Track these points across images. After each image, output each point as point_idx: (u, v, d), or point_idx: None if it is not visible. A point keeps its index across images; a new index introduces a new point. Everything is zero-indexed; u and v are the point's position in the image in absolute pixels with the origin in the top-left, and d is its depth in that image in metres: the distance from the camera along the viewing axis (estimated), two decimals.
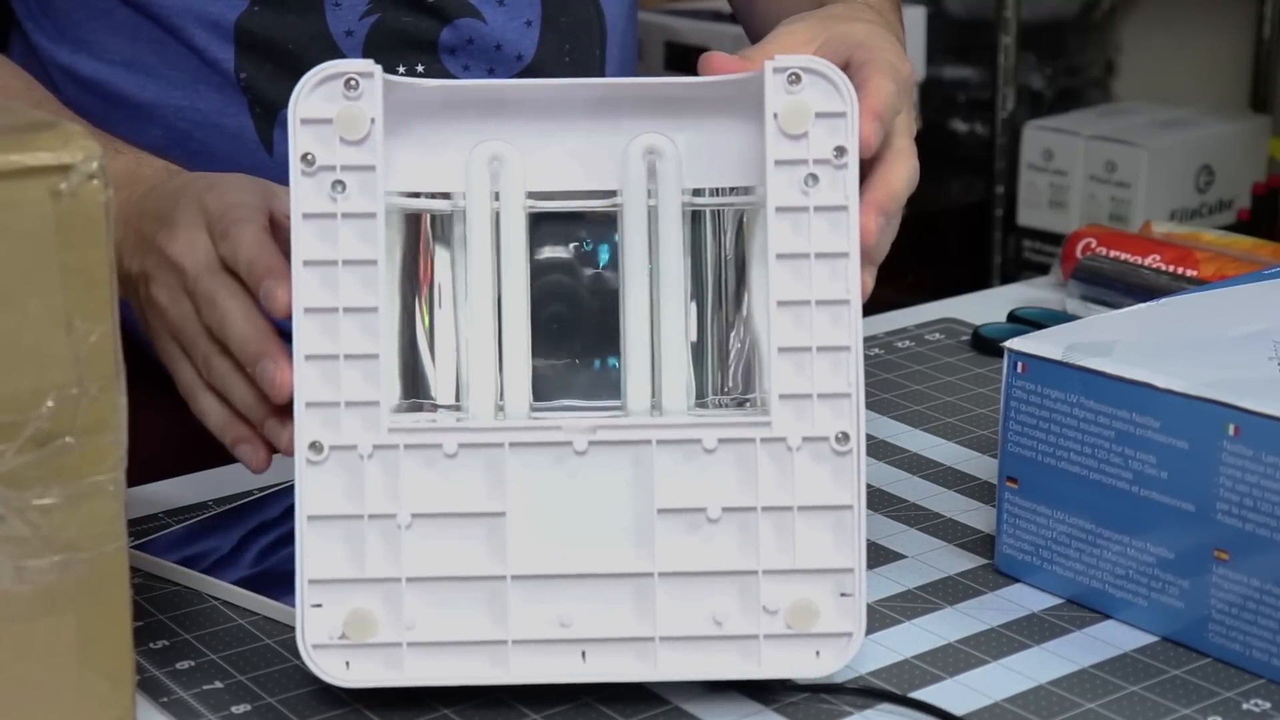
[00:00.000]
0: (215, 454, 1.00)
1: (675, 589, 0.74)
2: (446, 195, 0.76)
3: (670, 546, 0.74)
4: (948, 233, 2.67)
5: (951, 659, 0.78)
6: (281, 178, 0.77)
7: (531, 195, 0.76)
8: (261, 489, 0.93)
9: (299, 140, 0.73)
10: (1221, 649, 0.77)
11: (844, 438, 0.74)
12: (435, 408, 0.76)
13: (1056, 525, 0.82)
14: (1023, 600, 0.82)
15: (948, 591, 0.83)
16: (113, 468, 0.66)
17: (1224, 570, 0.76)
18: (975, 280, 2.48)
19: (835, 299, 0.74)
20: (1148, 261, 1.17)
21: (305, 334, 0.74)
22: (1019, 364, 0.82)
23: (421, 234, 0.77)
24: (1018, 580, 0.84)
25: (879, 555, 0.87)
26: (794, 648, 0.74)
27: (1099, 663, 0.77)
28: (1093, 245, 1.20)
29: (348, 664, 0.74)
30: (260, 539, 0.88)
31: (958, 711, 0.74)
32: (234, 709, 0.75)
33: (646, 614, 0.74)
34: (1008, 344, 0.83)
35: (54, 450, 0.64)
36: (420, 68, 1.05)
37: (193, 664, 0.78)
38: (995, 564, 0.85)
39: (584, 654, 0.74)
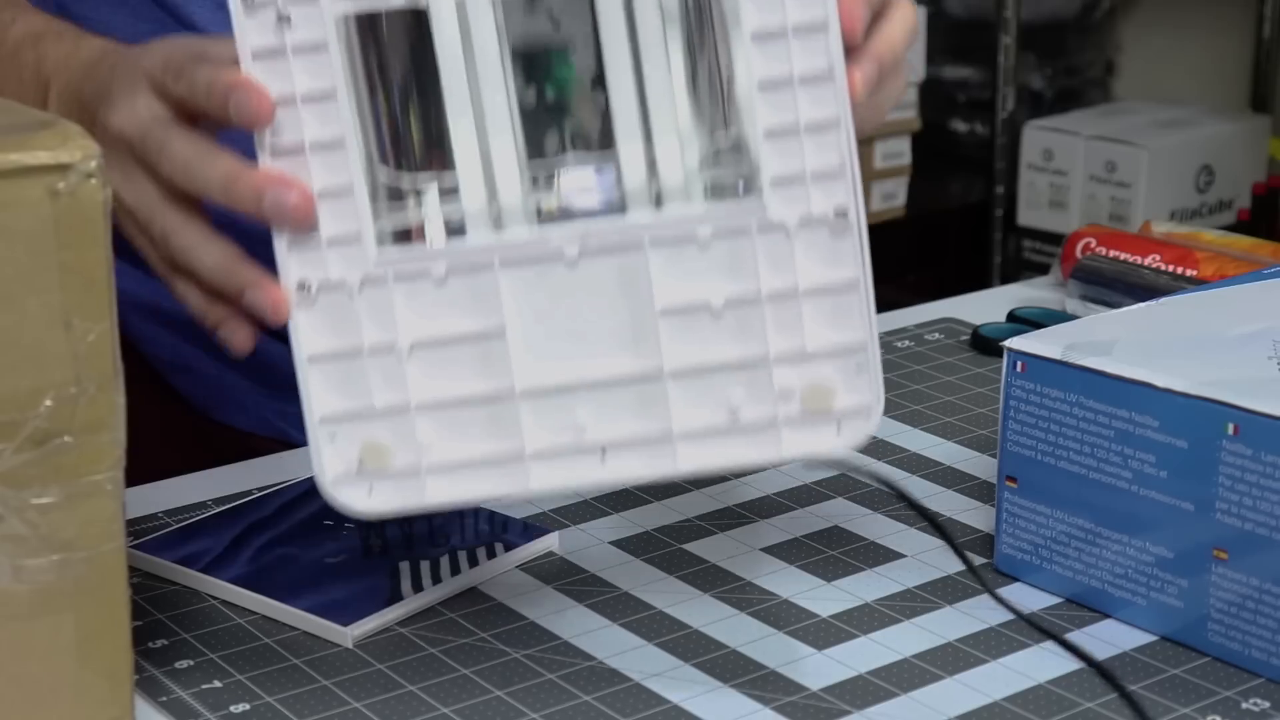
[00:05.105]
0: (215, 454, 1.01)
1: (687, 386, 0.73)
2: None
3: (676, 345, 0.73)
4: (948, 233, 2.68)
5: (951, 658, 0.78)
6: None
7: None
8: (262, 489, 0.93)
9: None
10: (1221, 648, 0.77)
11: (842, 212, 0.72)
12: (423, 230, 0.73)
13: (1056, 524, 0.82)
14: (1022, 599, 0.82)
15: (947, 591, 0.83)
16: (111, 467, 0.66)
17: (1223, 569, 0.76)
18: (975, 280, 2.49)
19: (818, 74, 0.72)
20: (1147, 261, 1.17)
21: None
22: (1018, 363, 0.82)
23: (387, 37, 0.73)
24: (1017, 579, 0.84)
25: (878, 554, 0.87)
26: (813, 428, 0.73)
27: (1098, 662, 0.77)
28: (1092, 245, 1.20)
29: (370, 490, 0.73)
30: (256, 538, 0.88)
31: (957, 711, 0.74)
32: (233, 708, 0.75)
33: (661, 414, 0.73)
34: (1007, 343, 0.83)
35: (52, 449, 0.64)
36: None
37: (191, 663, 0.78)
38: (995, 563, 0.85)
39: (603, 453, 0.73)
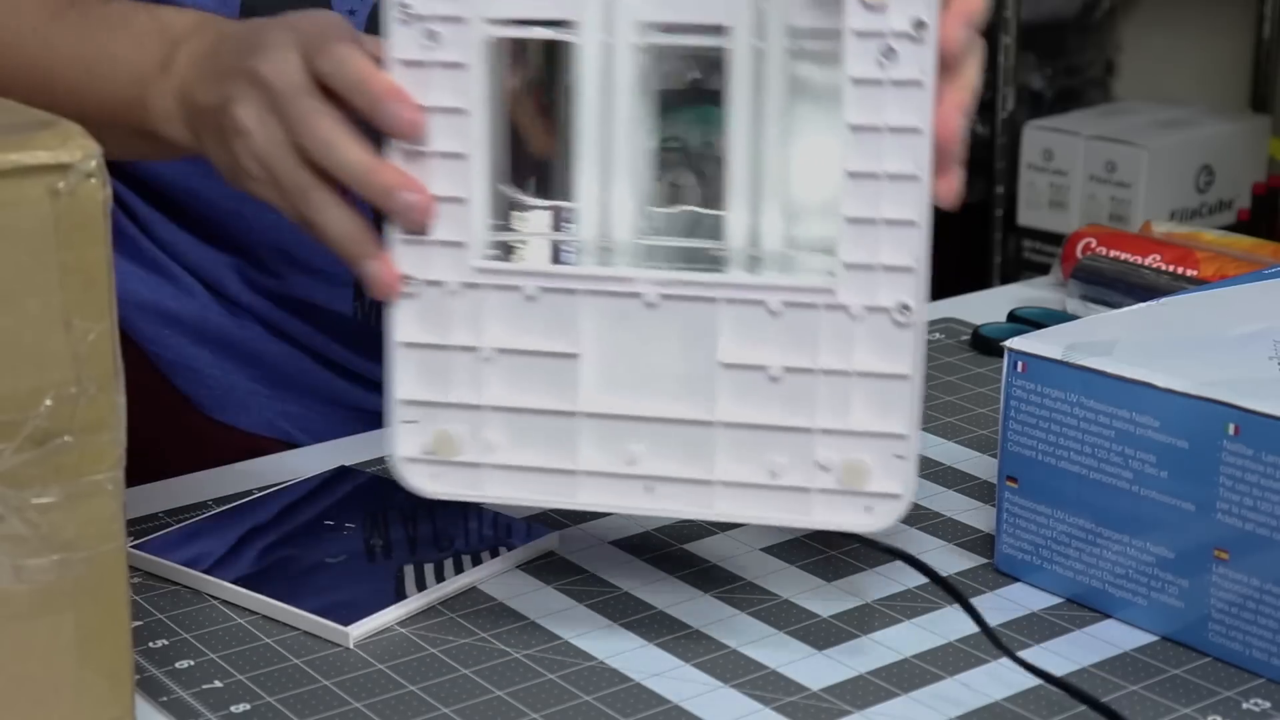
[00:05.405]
0: (216, 454, 1.01)
1: (734, 440, 0.76)
2: (558, 24, 0.76)
3: (731, 400, 0.76)
4: (948, 233, 2.67)
5: (951, 658, 0.78)
6: None
7: (646, 26, 0.75)
8: (263, 489, 0.93)
9: None
10: (1221, 648, 0.77)
11: (906, 309, 0.74)
12: (524, 243, 0.77)
13: (1056, 525, 0.82)
14: (1023, 600, 0.82)
15: (947, 591, 0.83)
16: (111, 467, 0.66)
17: (1224, 570, 0.76)
18: (975, 280, 2.48)
19: (905, 174, 0.74)
20: (1148, 261, 1.17)
21: None
22: (1019, 363, 0.82)
23: (530, 63, 0.78)
24: (1017, 580, 0.84)
25: (878, 554, 0.87)
26: (845, 504, 0.76)
27: (1099, 662, 0.77)
28: (1093, 245, 1.20)
29: (434, 475, 0.78)
30: (259, 540, 0.88)
31: (957, 711, 0.74)
32: (233, 708, 0.75)
33: (706, 460, 0.77)
34: (1008, 343, 0.83)
35: (53, 449, 0.64)
36: None
37: (192, 663, 0.78)
38: (995, 563, 0.85)
39: (647, 485, 0.77)
